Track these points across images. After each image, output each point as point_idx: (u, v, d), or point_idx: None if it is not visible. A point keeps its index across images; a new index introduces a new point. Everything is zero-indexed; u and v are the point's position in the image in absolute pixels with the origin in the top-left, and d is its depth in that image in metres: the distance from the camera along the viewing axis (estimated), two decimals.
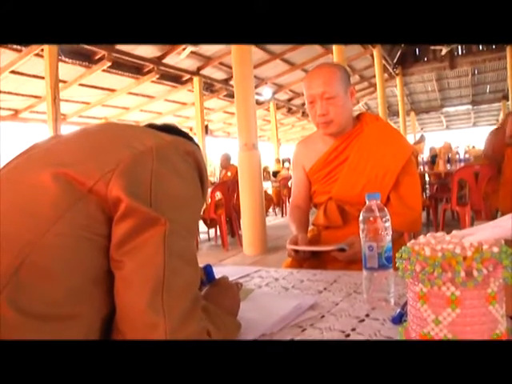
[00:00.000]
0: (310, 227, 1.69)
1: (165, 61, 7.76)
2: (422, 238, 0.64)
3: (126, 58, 7.12)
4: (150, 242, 0.57)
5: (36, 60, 6.20)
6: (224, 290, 0.83)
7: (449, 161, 6.06)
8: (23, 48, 5.97)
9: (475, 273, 0.55)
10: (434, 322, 0.58)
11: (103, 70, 7.17)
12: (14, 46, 5.90)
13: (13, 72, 6.59)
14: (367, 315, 0.84)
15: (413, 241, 0.64)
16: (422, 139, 8.56)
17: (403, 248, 0.63)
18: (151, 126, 0.80)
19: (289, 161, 10.60)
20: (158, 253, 0.56)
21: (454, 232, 0.64)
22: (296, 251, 1.37)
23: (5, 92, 7.45)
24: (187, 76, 8.74)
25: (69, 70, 6.87)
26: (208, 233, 6.03)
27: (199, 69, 8.72)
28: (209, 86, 9.72)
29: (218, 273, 0.89)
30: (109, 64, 6.89)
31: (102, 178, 0.58)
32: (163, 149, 0.65)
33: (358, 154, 1.51)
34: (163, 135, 0.70)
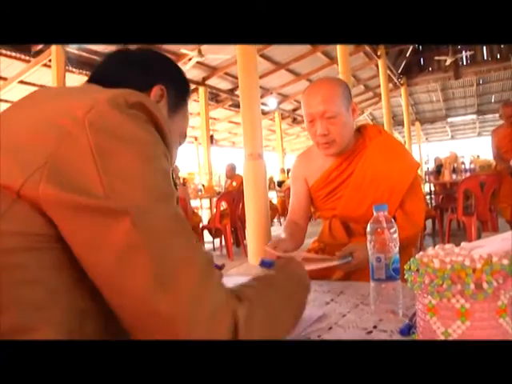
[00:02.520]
0: (314, 238, 1.67)
1: None
2: (430, 250, 0.64)
3: None
4: (121, 237, 0.48)
5: (44, 70, 6.28)
6: (287, 264, 0.82)
7: (454, 171, 6.04)
8: (31, 58, 6.05)
9: (485, 285, 0.54)
10: (444, 334, 0.58)
11: None
12: (23, 57, 5.99)
13: (21, 82, 6.67)
14: (375, 327, 0.84)
15: (421, 253, 0.64)
16: None
17: (412, 260, 0.63)
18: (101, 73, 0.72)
19: None
20: (135, 245, 0.48)
21: (463, 244, 0.64)
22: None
23: (13, 102, 7.53)
24: (193, 86, 8.80)
25: (76, 79, 6.94)
26: (213, 243, 6.01)
27: (205, 79, 8.78)
28: (214, 96, 9.79)
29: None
30: None
31: (29, 179, 0.48)
32: (98, 115, 0.51)
33: (362, 172, 1.45)
34: (99, 93, 0.56)
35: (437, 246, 0.64)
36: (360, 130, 1.54)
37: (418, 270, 0.61)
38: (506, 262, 0.55)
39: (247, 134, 4.84)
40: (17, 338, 0.46)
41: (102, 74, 0.72)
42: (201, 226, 5.42)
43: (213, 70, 8.61)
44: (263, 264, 0.90)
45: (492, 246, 0.59)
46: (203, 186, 7.55)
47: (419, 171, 1.62)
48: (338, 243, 1.50)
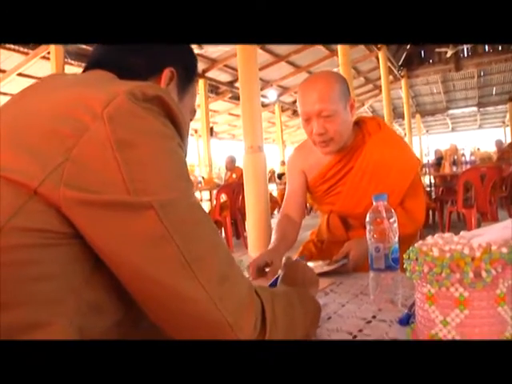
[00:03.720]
0: (311, 230, 1.67)
1: None
2: (429, 239, 0.64)
3: None
4: (147, 229, 0.49)
5: (42, 63, 6.25)
6: (292, 270, 0.86)
7: (454, 163, 6.03)
8: (30, 51, 6.02)
9: (484, 274, 0.54)
10: (442, 323, 0.58)
11: None
12: (21, 49, 5.95)
13: (20, 74, 6.64)
14: (374, 316, 0.84)
15: (420, 242, 0.64)
16: None
17: (411, 249, 0.63)
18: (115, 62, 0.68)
19: None
20: (161, 236, 0.49)
21: (463, 233, 0.64)
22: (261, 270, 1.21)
23: (12, 94, 7.49)
24: None
25: (75, 72, 6.90)
26: None
27: (204, 71, 8.73)
28: (214, 89, 9.74)
29: None
30: None
31: (48, 177, 0.47)
32: (116, 109, 0.50)
33: (361, 170, 1.41)
34: (115, 85, 0.55)
35: (436, 235, 0.64)
36: (359, 124, 1.49)
37: (417, 259, 0.61)
38: (504, 250, 0.55)
39: (247, 127, 4.82)
40: (31, 333, 0.47)
41: (109, 59, 0.69)
42: None
43: (212, 62, 8.55)
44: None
45: (491, 234, 0.59)
46: (203, 178, 7.55)
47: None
48: (336, 240, 1.48)
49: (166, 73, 0.70)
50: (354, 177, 1.42)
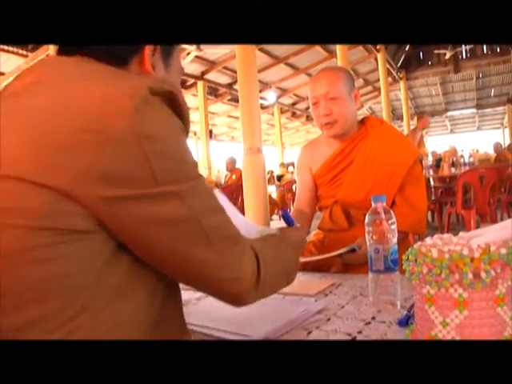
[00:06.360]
0: (316, 231, 1.68)
1: None
2: (428, 240, 0.64)
3: None
4: (173, 214, 0.55)
5: None
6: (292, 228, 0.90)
7: (453, 164, 6.03)
8: (29, 53, 6.02)
9: (483, 274, 0.54)
10: (442, 324, 0.58)
11: None
12: (20, 51, 5.95)
13: None
14: (373, 318, 0.84)
15: (419, 243, 0.64)
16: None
17: (410, 250, 0.63)
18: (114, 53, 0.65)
19: (293, 165, 10.59)
20: (186, 217, 0.56)
21: (462, 233, 0.64)
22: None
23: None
24: (191, 80, 8.77)
25: None
26: None
27: (203, 73, 8.75)
28: (213, 91, 9.75)
29: None
30: None
31: (79, 175, 0.50)
32: (140, 102, 0.52)
33: (363, 157, 1.51)
34: (134, 80, 0.56)
35: (435, 236, 0.64)
36: (363, 121, 1.62)
37: (416, 260, 0.61)
38: (503, 251, 0.55)
39: (246, 129, 4.82)
40: (69, 323, 0.50)
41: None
42: None
43: (211, 65, 8.57)
44: (285, 217, 0.92)
45: (490, 235, 0.59)
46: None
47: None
48: (338, 228, 1.54)
49: (147, 51, 0.68)
50: (355, 167, 1.52)
